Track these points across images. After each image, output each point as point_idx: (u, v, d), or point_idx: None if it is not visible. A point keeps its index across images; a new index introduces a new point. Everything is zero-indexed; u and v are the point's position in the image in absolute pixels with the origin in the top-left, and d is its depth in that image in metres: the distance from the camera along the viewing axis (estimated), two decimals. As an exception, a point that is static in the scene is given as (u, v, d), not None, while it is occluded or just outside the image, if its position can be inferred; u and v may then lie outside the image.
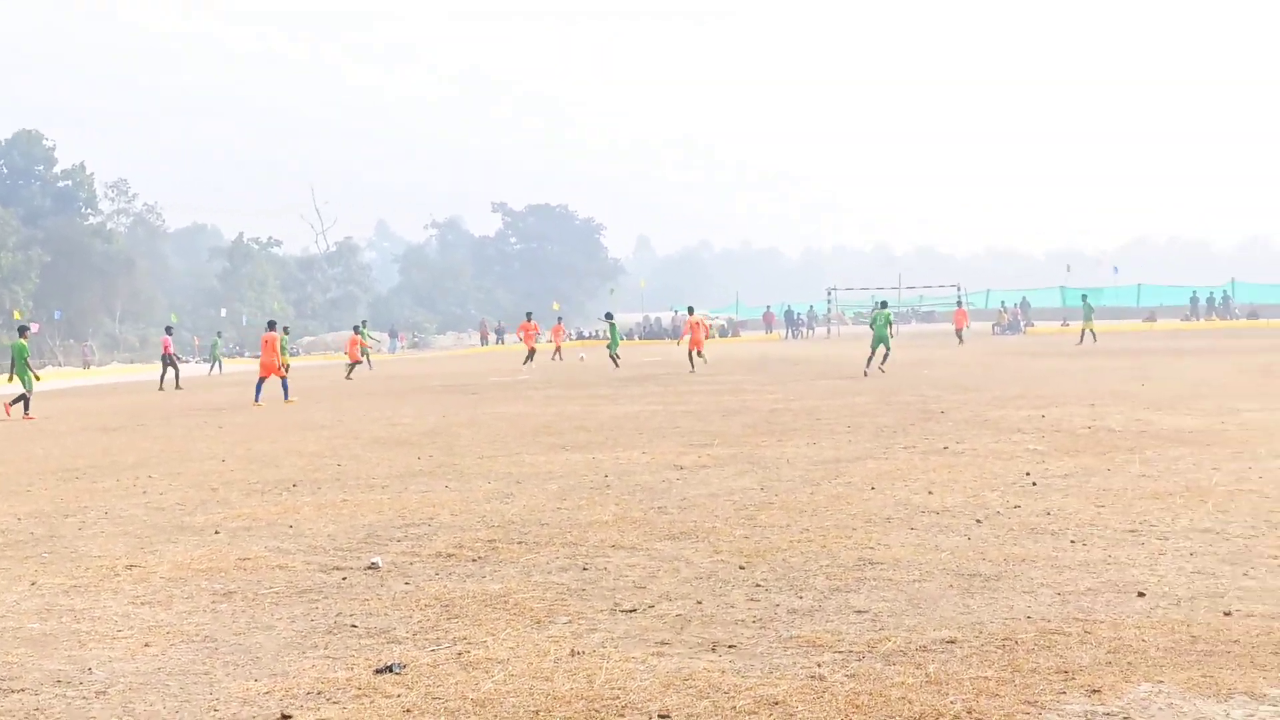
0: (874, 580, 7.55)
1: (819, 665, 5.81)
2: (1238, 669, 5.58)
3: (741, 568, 8.02)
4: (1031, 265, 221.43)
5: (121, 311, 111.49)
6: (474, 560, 8.63)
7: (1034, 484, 11.33)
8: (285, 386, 30.56)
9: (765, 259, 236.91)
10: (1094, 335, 49.98)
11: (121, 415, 27.77)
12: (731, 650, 6.11)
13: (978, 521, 9.50)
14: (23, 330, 29.92)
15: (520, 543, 9.25)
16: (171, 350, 42.70)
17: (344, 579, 8.16)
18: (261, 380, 31.04)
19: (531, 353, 44.96)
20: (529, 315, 47.70)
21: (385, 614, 7.11)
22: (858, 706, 5.18)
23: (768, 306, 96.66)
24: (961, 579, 7.52)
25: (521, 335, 47.39)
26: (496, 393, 29.60)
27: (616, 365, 40.37)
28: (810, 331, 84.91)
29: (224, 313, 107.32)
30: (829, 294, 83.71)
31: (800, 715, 5.10)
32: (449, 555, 8.85)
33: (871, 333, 34.07)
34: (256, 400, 29.88)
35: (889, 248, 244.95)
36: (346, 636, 6.64)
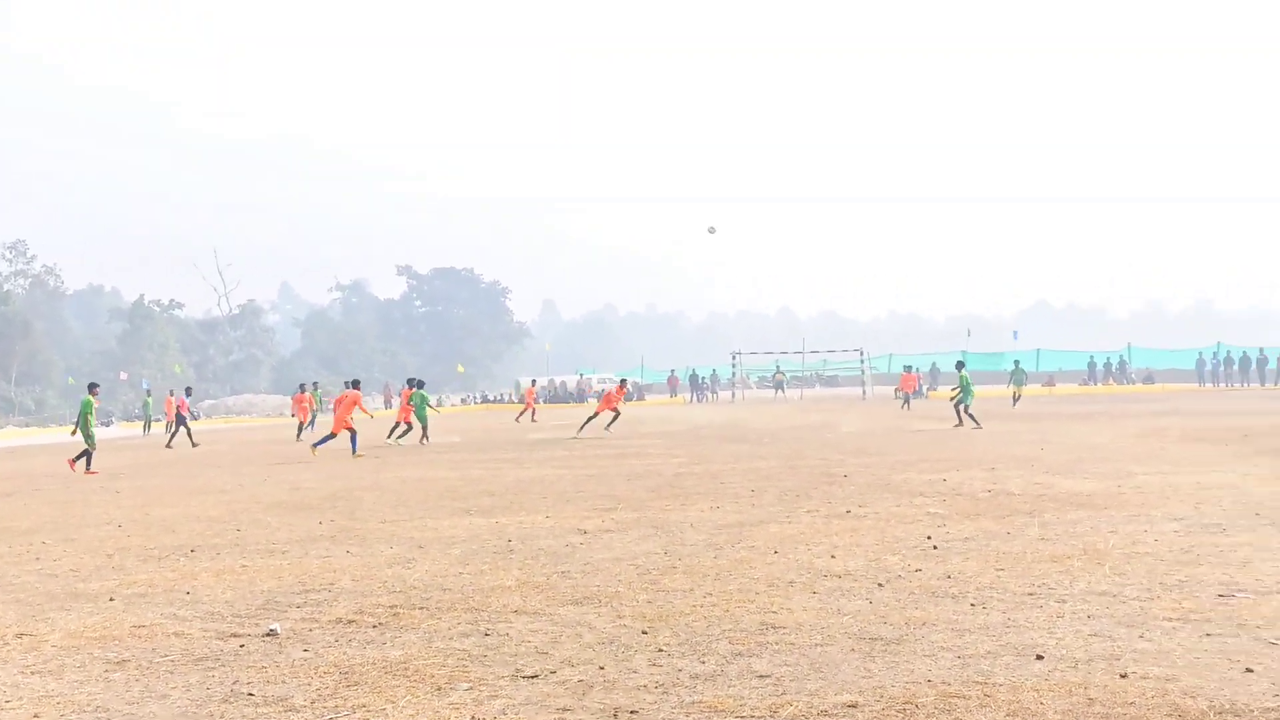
0: (776, 644, 7.56)
1: (721, 731, 5.80)
2: (1134, 731, 5.64)
3: (644, 632, 8.00)
4: (933, 330, 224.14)
5: (17, 374, 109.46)
6: (375, 626, 8.53)
7: (935, 547, 11.41)
8: (354, 441, 30.41)
9: (670, 322, 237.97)
10: (1016, 398, 50.51)
11: (16, 480, 27.22)
12: (633, 716, 6.08)
13: (879, 585, 9.54)
14: (92, 387, 30.22)
15: (422, 608, 9.17)
16: (186, 410, 41.86)
17: (241, 646, 8.03)
18: (332, 435, 31.26)
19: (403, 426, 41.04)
20: (302, 387, 47.01)
21: (283, 682, 7.00)
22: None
23: (672, 370, 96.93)
24: (863, 643, 7.54)
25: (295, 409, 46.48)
26: (399, 456, 29.38)
27: (425, 439, 35.81)
28: (715, 395, 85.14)
29: (124, 376, 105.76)
30: (734, 358, 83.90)
31: (702, 781, 5.08)
32: (349, 622, 8.74)
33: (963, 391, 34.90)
34: (354, 452, 29.98)
35: (793, 312, 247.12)
36: (243, 705, 6.53)
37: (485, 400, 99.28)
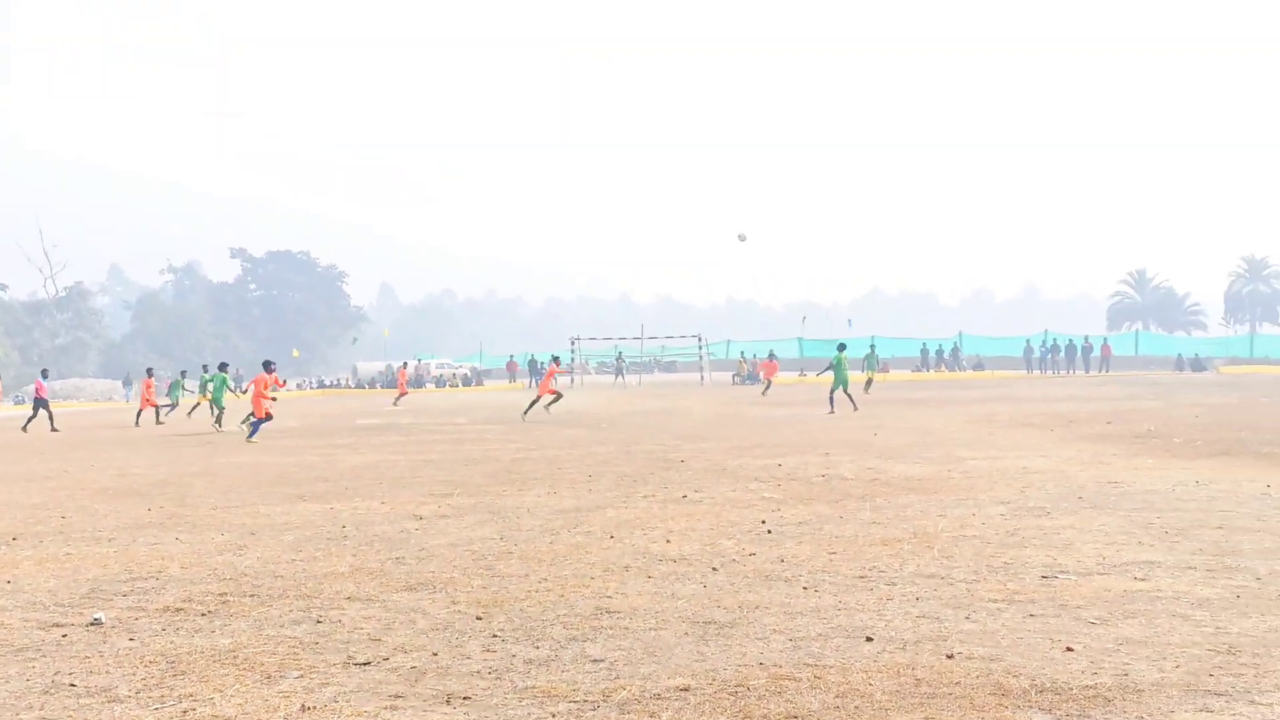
0: (610, 629, 7.58)
1: (553, 716, 5.80)
2: (959, 710, 5.75)
3: (479, 618, 7.96)
4: (770, 316, 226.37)
5: None
6: (203, 615, 8.38)
7: (769, 531, 11.53)
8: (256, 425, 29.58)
9: (510, 308, 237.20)
10: (870, 383, 50.88)
11: None
12: (466, 702, 6.06)
13: (714, 569, 9.62)
14: (223, 366, 35.10)
15: (253, 596, 9.02)
16: (45, 393, 40.26)
17: (64, 636, 7.82)
18: (260, 419, 30.11)
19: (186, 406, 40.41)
20: (150, 372, 45.80)
21: (107, 672, 6.84)
22: (591, 756, 5.17)
23: (511, 356, 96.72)
24: (697, 626, 7.59)
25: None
26: (232, 442, 28.89)
27: (219, 426, 35.21)
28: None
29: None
30: (573, 343, 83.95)
31: (534, 766, 5.08)
32: (177, 610, 8.57)
33: (834, 375, 36.25)
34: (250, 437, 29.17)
35: (631, 298, 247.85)
36: (64, 697, 6.37)
37: (322, 385, 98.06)
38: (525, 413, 37.27)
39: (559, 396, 38.75)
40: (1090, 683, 6.20)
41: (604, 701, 6.02)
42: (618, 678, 6.44)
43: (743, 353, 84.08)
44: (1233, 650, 6.81)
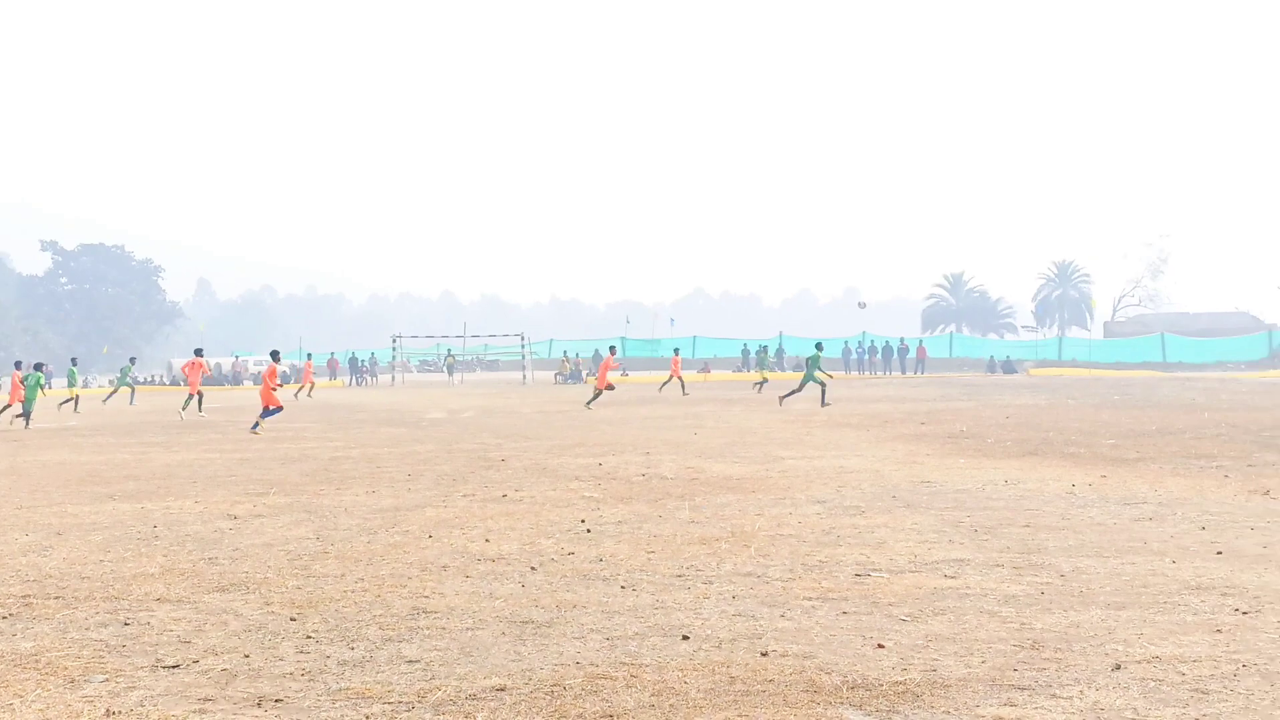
0: (427, 629, 7.53)
1: (367, 717, 5.74)
2: (772, 708, 5.83)
3: (293, 619, 7.85)
4: (594, 316, 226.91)
5: None
6: (4, 618, 8.11)
7: (588, 531, 11.56)
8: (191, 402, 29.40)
9: (331, 305, 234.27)
10: (762, 383, 51.18)
11: None
12: (278, 705, 5.96)
13: (532, 568, 9.61)
14: (38, 366, 32.86)
15: (57, 598, 8.77)
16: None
17: None
18: (269, 410, 29.34)
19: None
20: (18, 365, 44.55)
21: (-99, 678, 6.59)
22: (405, 758, 5.13)
23: (332, 353, 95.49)
24: (514, 626, 7.58)
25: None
26: (41, 439, 28.06)
27: (26, 424, 33.59)
28: (374, 379, 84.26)
29: None
30: (394, 341, 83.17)
31: (346, 769, 5.02)
32: (-23, 613, 8.30)
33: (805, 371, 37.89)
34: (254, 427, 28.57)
35: (455, 296, 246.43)
36: None
37: (136, 382, 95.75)
38: (589, 403, 37.99)
39: (599, 392, 38.82)
40: (900, 679, 6.32)
41: (419, 702, 5.97)
42: (433, 678, 6.40)
43: (565, 352, 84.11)
44: (1037, 645, 7.00)
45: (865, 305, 63.84)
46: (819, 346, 40.08)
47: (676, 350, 51.71)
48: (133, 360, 55.60)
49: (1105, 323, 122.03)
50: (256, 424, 28.87)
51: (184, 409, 29.48)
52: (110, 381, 49.34)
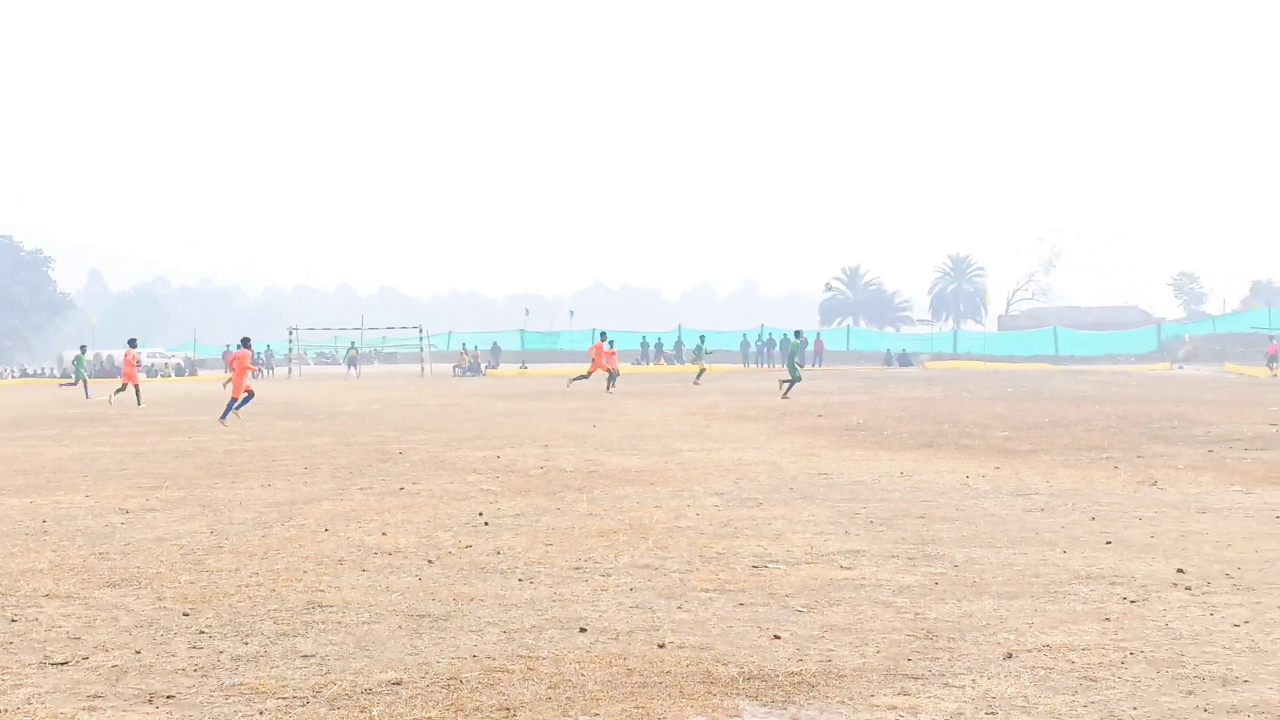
0: (323, 623, 7.46)
1: (260, 713, 5.68)
2: (669, 699, 5.84)
3: (185, 614, 7.75)
4: (493, 308, 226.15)
5: None
6: (-112, 615, 7.94)
7: (486, 523, 11.53)
8: (231, 406, 28.27)
9: (226, 297, 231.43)
10: (700, 374, 51.15)
11: None
12: (170, 701, 5.89)
13: (429, 562, 9.56)
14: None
15: (-58, 594, 8.59)
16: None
17: None
18: (237, 399, 28.84)
19: None
20: None
21: None
22: (299, 753, 5.09)
23: (228, 345, 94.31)
24: (411, 620, 7.54)
25: None
26: (-74, 433, 27.46)
27: None
28: (270, 371, 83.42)
29: None
30: (290, 333, 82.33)
31: (239, 765, 4.96)
32: None
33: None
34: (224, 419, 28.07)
35: (353, 288, 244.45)
36: None
37: (25, 375, 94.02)
38: (609, 386, 40.81)
39: (612, 377, 41.79)
40: (796, 669, 6.36)
41: (314, 697, 5.92)
42: (328, 673, 6.35)
43: (464, 344, 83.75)
44: (930, 635, 7.08)
45: (831, 289, 64.03)
46: (798, 334, 41.20)
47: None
48: (83, 349, 54.31)
49: (999, 316, 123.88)
50: (226, 414, 28.29)
51: (233, 411, 28.35)
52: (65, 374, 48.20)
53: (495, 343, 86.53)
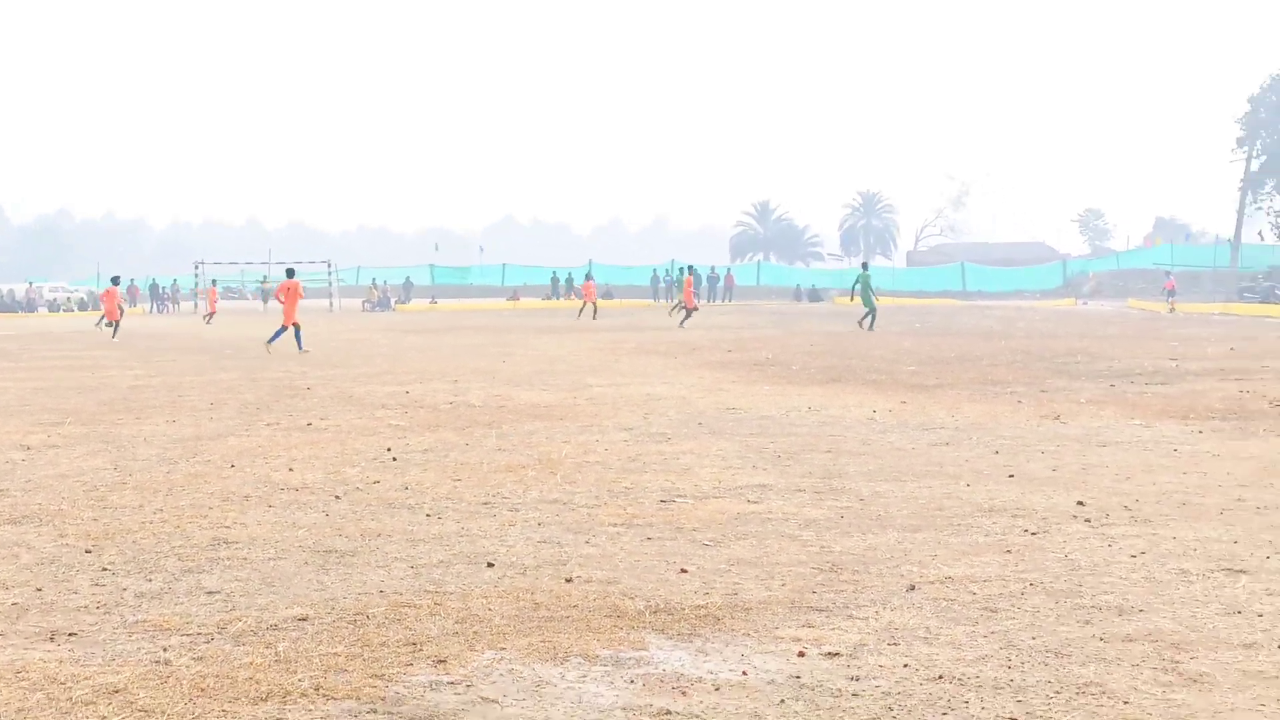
0: (228, 560, 7.42)
1: (165, 650, 5.64)
2: (574, 633, 5.88)
3: (88, 551, 7.67)
4: (403, 243, 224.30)
5: None
6: None
7: (394, 459, 11.49)
8: (298, 336, 29.17)
9: (131, 230, 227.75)
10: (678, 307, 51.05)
11: None
12: (72, 639, 5.83)
13: (337, 497, 9.53)
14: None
15: None
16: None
17: None
18: (284, 328, 29.65)
19: None
20: None
21: None
22: (203, 690, 5.06)
23: (132, 280, 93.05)
24: (317, 555, 7.52)
25: None
26: None
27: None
28: (177, 306, 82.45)
29: None
30: (197, 268, 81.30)
31: (142, 702, 4.93)
32: None
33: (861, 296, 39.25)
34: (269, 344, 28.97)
35: (261, 223, 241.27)
36: None
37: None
38: (681, 323, 41.67)
39: (688, 312, 43.06)
40: (702, 602, 6.42)
41: (219, 634, 5.89)
42: (234, 609, 6.32)
43: (374, 279, 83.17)
44: (835, 568, 7.16)
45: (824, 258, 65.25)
46: (865, 266, 42.47)
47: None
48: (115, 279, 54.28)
49: (908, 252, 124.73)
50: (300, 345, 29.08)
51: (279, 340, 28.81)
52: None
53: (408, 278, 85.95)
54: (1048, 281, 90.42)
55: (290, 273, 32.64)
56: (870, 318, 37.60)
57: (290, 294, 30.98)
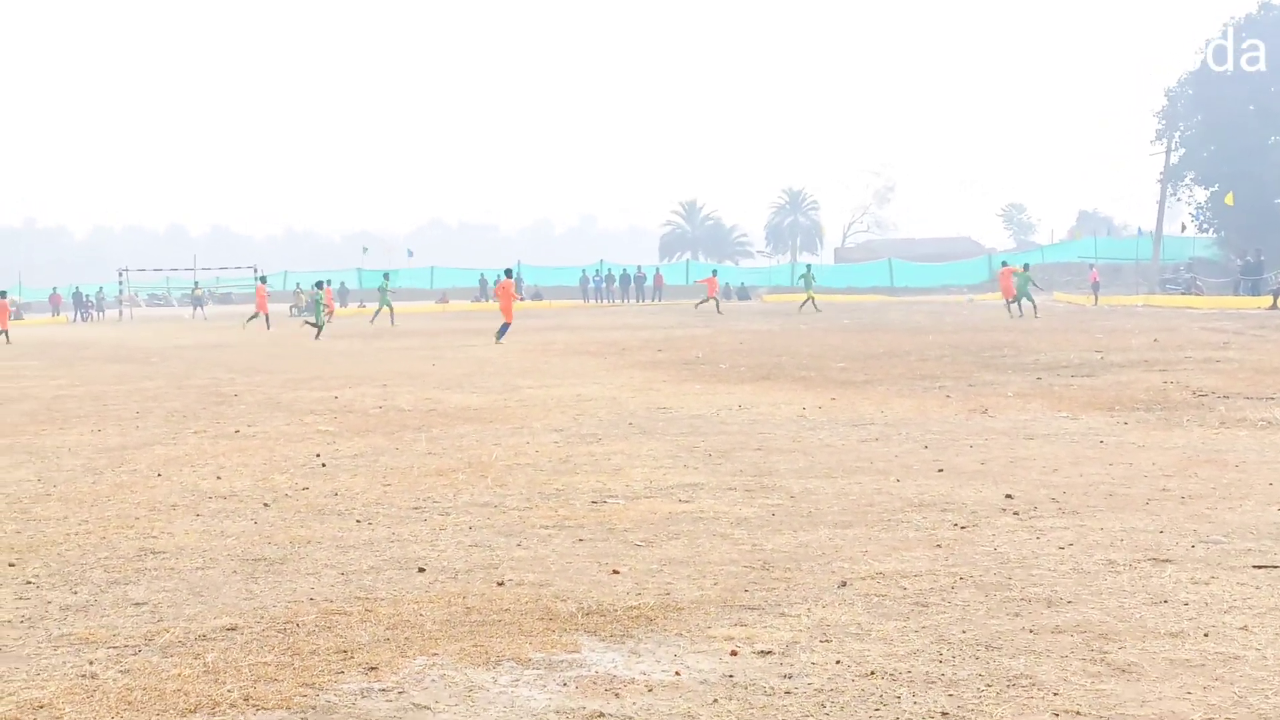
0: (155, 570, 7.34)
1: (91, 663, 5.57)
2: (507, 637, 5.85)
3: (11, 565, 7.56)
4: (329, 247, 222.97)
5: None
6: None
7: (324, 465, 11.41)
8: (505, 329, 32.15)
9: (51, 237, 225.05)
10: (808, 302, 52.64)
11: None
12: (-5, 654, 5.75)
13: (265, 505, 9.45)
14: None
15: None
16: None
17: None
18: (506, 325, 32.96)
19: None
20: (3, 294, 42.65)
21: None
22: (130, 703, 5.01)
23: (54, 288, 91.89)
24: (246, 564, 7.45)
25: None
26: None
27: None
28: (101, 314, 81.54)
29: None
30: (121, 275, 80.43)
31: (68, 717, 4.88)
32: None
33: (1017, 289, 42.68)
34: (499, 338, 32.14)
35: (184, 228, 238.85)
36: None
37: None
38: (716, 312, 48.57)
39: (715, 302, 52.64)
40: (634, 603, 6.41)
41: (146, 645, 5.83)
42: (161, 620, 6.25)
43: (299, 284, 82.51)
44: (767, 566, 7.18)
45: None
46: (1026, 266, 44.92)
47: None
48: (387, 276, 54.75)
49: (836, 249, 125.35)
50: (502, 334, 32.45)
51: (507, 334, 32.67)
52: None
53: (343, 283, 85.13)
54: (974, 276, 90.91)
55: (508, 273, 36.86)
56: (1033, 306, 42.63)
57: (505, 293, 34.14)
